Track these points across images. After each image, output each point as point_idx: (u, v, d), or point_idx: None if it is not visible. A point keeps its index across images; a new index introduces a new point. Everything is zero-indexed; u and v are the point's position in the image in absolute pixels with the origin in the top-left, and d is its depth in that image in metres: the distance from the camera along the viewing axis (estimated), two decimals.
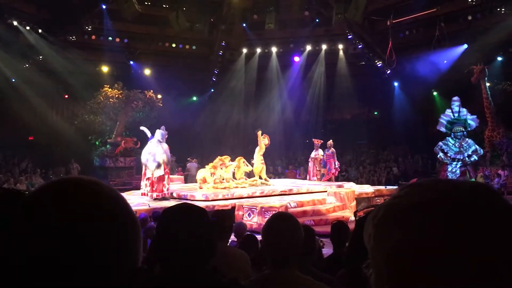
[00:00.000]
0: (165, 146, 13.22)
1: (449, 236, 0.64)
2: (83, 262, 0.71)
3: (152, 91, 21.45)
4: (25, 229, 0.72)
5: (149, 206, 11.22)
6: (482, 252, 0.63)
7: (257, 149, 15.44)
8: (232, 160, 14.83)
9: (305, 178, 18.70)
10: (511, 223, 0.65)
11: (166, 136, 13.57)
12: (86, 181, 0.79)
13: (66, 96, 22.48)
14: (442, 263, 0.64)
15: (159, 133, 13.31)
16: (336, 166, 17.59)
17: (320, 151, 17.61)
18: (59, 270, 0.70)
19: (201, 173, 14.25)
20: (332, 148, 17.49)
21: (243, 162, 15.05)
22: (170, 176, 14.30)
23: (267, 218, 2.32)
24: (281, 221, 2.19)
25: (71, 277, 0.71)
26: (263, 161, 15.44)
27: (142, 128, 14.49)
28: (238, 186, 14.22)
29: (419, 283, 0.65)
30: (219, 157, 14.55)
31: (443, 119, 16.74)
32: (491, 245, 0.63)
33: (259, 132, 15.44)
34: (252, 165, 15.31)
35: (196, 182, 14.81)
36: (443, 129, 16.71)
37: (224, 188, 13.88)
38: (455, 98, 16.53)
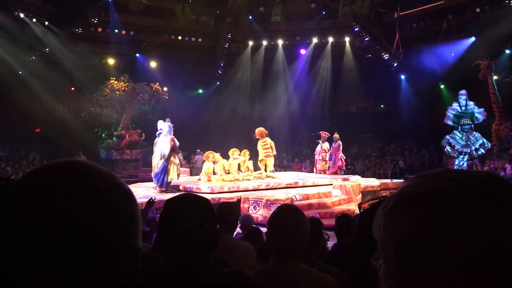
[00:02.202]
0: (169, 138, 13.21)
1: (459, 223, 0.64)
2: (83, 249, 0.71)
3: (158, 83, 21.49)
4: (18, 217, 0.71)
5: (155, 199, 11.22)
6: (491, 241, 0.62)
7: (259, 142, 15.44)
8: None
9: (311, 171, 18.69)
10: None
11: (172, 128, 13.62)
12: (77, 164, 0.78)
13: (73, 89, 22.54)
14: (451, 251, 0.63)
15: (166, 125, 13.33)
16: (342, 159, 17.55)
17: (326, 144, 17.57)
18: (58, 257, 0.70)
19: (206, 166, 14.26)
20: (339, 141, 17.44)
21: (248, 154, 15.07)
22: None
23: (273, 210, 2.32)
24: (287, 213, 2.19)
25: (70, 265, 0.70)
26: (269, 153, 15.39)
27: (160, 122, 14.23)
28: (244, 178, 14.22)
29: (429, 272, 0.64)
30: (233, 149, 14.64)
31: (450, 113, 16.62)
32: (502, 234, 0.63)
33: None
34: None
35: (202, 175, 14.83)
36: (450, 123, 16.60)
37: (231, 181, 13.89)
38: (462, 91, 16.41)
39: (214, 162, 14.11)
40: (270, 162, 15.46)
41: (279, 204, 10.89)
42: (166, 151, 13.01)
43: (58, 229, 0.70)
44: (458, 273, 0.63)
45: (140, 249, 0.80)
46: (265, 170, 15.30)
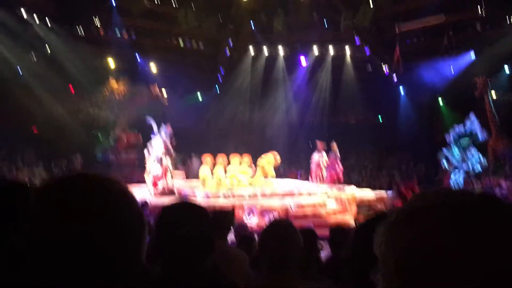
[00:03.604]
0: (162, 139, 13.26)
1: (459, 233, 0.66)
2: (94, 259, 0.71)
3: (157, 86, 21.50)
4: (37, 224, 0.72)
5: (149, 203, 11.20)
6: (487, 255, 0.64)
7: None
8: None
9: (306, 180, 18.67)
10: None
11: (170, 133, 13.67)
12: (97, 178, 0.80)
13: (72, 89, 22.52)
14: (449, 264, 0.65)
15: (162, 129, 13.42)
16: (339, 170, 17.55)
17: (324, 154, 17.57)
18: (69, 265, 0.70)
19: (203, 171, 14.26)
20: (337, 152, 17.46)
21: (250, 161, 15.11)
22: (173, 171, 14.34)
23: (268, 221, 2.31)
24: (279, 229, 2.16)
25: (81, 273, 0.71)
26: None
27: (149, 119, 14.45)
28: (240, 185, 14.22)
29: (430, 283, 0.66)
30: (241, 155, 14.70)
31: (453, 133, 16.65)
32: (496, 249, 0.64)
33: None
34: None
35: (198, 179, 14.86)
36: (451, 139, 16.64)
37: (226, 186, 13.89)
38: (472, 116, 16.39)
39: (214, 165, 14.16)
40: (270, 172, 15.45)
41: (274, 212, 10.88)
42: (160, 154, 13.07)
43: (67, 244, 0.72)
44: (459, 282, 0.64)
45: (145, 265, 0.81)
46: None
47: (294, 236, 2.12)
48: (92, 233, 0.73)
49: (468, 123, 16.26)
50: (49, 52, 20.43)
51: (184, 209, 1.78)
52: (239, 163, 14.88)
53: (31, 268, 0.71)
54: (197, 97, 26.27)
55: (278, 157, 15.46)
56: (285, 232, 2.13)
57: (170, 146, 13.48)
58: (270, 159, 15.16)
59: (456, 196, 0.72)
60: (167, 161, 13.48)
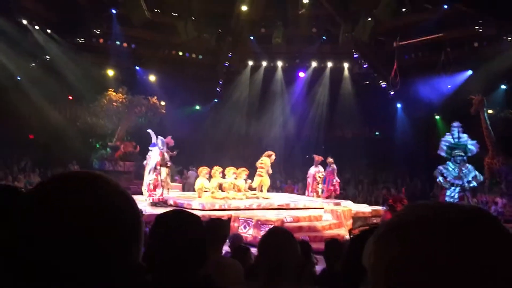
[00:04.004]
0: (159, 152, 13.31)
1: (443, 252, 0.66)
2: (87, 259, 0.71)
3: (156, 97, 21.50)
4: (27, 227, 0.72)
5: (145, 212, 11.18)
6: (473, 271, 0.65)
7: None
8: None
9: (303, 194, 18.65)
10: (505, 247, 0.67)
11: (172, 143, 13.81)
12: (91, 176, 0.80)
13: (70, 98, 22.54)
14: (438, 275, 0.65)
15: (159, 140, 13.46)
16: (336, 183, 17.55)
17: (320, 167, 17.58)
18: (62, 267, 0.71)
19: (199, 182, 14.24)
20: (333, 165, 17.47)
21: (246, 174, 15.11)
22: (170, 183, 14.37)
23: (264, 232, 2.33)
24: (277, 235, 2.19)
25: (74, 274, 0.71)
26: (262, 174, 15.39)
27: (149, 130, 14.47)
28: (236, 197, 14.20)
29: None
30: (230, 168, 14.74)
31: (443, 144, 16.70)
32: (484, 265, 0.65)
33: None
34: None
35: (194, 190, 14.84)
36: (443, 154, 16.67)
37: (222, 198, 13.87)
38: (456, 123, 16.52)
39: (211, 176, 14.14)
40: (264, 181, 15.44)
41: (270, 225, 10.87)
42: (155, 164, 13.11)
43: (59, 245, 0.72)
44: None
45: (142, 265, 0.81)
46: (260, 191, 15.30)
47: (291, 244, 2.14)
48: (90, 232, 0.73)
49: (454, 132, 16.31)
50: (48, 59, 20.47)
51: (177, 217, 1.79)
52: (235, 177, 14.87)
53: (28, 269, 0.71)
54: (195, 108, 26.30)
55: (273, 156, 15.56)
56: (283, 239, 2.15)
57: (167, 158, 13.51)
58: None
59: (445, 208, 0.73)
60: (164, 172, 13.52)
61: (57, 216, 0.73)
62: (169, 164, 14.16)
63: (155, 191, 13.05)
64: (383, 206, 16.80)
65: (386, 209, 14.00)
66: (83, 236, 0.72)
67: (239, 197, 14.27)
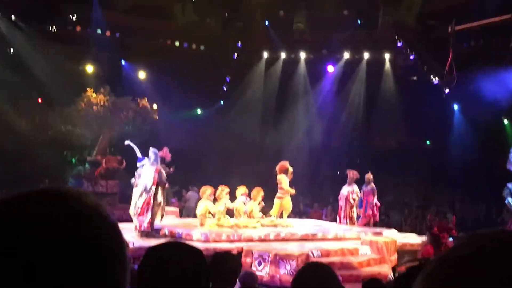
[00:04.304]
0: (154, 168, 13.36)
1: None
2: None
3: (146, 99, 21.66)
4: None
5: (133, 245, 11.23)
6: None
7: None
8: (249, 192, 15.00)
9: (333, 220, 18.58)
10: None
11: (169, 158, 13.85)
12: (62, 192, 0.81)
13: (39, 101, 22.76)
14: None
15: (151, 153, 13.51)
16: (376, 207, 17.43)
17: (355, 187, 17.48)
18: None
19: (202, 205, 14.25)
20: (372, 184, 17.36)
21: (262, 196, 15.13)
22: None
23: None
24: (316, 271, 2.19)
25: None
26: (282, 196, 15.42)
27: (127, 142, 14.62)
28: (248, 225, 14.20)
29: None
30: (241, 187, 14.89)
31: None
32: None
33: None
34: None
35: (196, 216, 14.86)
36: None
37: (231, 227, 13.87)
38: None
39: (216, 200, 14.16)
40: (285, 205, 15.44)
41: (291, 261, 10.83)
42: (149, 184, 13.11)
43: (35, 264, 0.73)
44: None
45: None
46: (280, 217, 15.32)
47: (335, 282, 2.15)
48: (57, 260, 0.74)
49: None
50: (12, 53, 20.72)
51: (173, 251, 1.79)
52: (249, 199, 14.92)
53: None
54: (196, 111, 26.40)
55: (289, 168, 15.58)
56: (324, 276, 2.15)
57: (164, 175, 13.55)
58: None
59: (506, 240, 0.71)
60: (159, 194, 13.52)
61: (12, 242, 0.74)
62: (166, 184, 14.22)
63: (147, 218, 13.09)
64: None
65: (427, 241, 13.89)
66: (47, 266, 0.73)
67: (252, 225, 14.26)
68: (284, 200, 15.34)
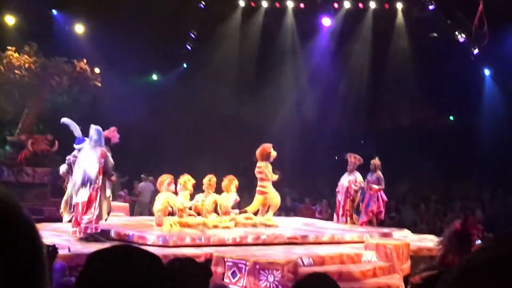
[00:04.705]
0: (99, 152, 13.24)
1: None
2: None
3: (86, 61, 21.48)
4: None
5: (69, 251, 11.21)
6: None
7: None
8: (219, 181, 14.95)
9: (329, 219, 18.72)
10: None
11: (117, 140, 13.74)
12: None
13: None
14: None
15: (94, 131, 13.35)
16: (382, 202, 17.57)
17: (358, 175, 17.59)
18: None
19: (160, 200, 14.23)
20: (379, 172, 17.44)
21: (236, 186, 15.16)
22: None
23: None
24: (321, 282, 2.23)
25: None
26: (266, 188, 15.49)
27: (64, 120, 14.48)
28: (219, 225, 14.21)
29: None
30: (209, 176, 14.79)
31: None
32: None
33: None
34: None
35: (152, 214, 14.85)
36: None
37: (197, 226, 13.87)
38: None
39: (175, 193, 14.15)
40: (272, 200, 15.53)
41: (274, 271, 10.92)
42: (93, 173, 13.01)
43: None
44: None
45: None
46: (266, 212, 15.42)
47: None
48: None
49: None
50: None
51: (121, 258, 1.80)
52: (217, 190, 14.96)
53: None
54: (151, 78, 26.29)
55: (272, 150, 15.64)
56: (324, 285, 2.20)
57: (111, 161, 13.44)
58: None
59: None
60: (106, 186, 13.44)
61: None
62: (113, 174, 14.09)
63: (87, 216, 13.02)
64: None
65: (445, 240, 14.01)
66: None
67: (224, 225, 14.27)
68: (269, 194, 15.39)
